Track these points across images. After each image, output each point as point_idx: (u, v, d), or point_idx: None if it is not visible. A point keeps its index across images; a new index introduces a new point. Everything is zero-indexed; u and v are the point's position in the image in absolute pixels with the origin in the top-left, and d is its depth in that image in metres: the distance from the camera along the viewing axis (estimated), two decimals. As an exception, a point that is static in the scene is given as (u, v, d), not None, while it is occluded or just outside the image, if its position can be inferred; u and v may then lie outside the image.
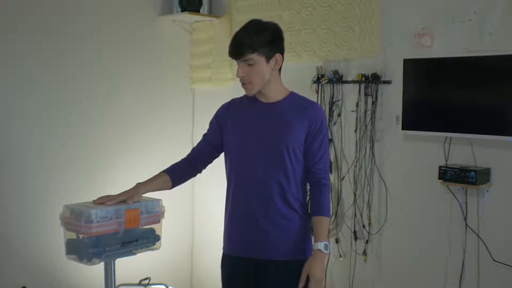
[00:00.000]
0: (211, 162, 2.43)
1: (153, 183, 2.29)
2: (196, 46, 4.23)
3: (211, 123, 2.40)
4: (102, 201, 2.13)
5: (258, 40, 2.13)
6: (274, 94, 2.24)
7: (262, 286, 2.23)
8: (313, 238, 2.21)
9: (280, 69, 2.26)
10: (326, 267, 3.48)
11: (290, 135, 2.19)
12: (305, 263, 2.15)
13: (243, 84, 2.21)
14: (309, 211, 2.30)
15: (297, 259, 2.21)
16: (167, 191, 2.35)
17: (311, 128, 2.21)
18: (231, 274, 2.32)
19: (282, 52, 2.23)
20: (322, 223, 2.20)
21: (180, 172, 2.38)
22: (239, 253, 2.28)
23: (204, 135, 2.42)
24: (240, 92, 2.41)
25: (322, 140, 2.24)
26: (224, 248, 2.36)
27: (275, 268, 2.20)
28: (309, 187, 2.36)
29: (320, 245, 2.13)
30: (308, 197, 3.21)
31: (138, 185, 2.25)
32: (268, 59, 2.17)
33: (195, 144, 2.46)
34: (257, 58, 2.14)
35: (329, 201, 2.29)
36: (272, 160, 2.19)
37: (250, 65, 2.15)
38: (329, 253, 3.50)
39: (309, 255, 2.22)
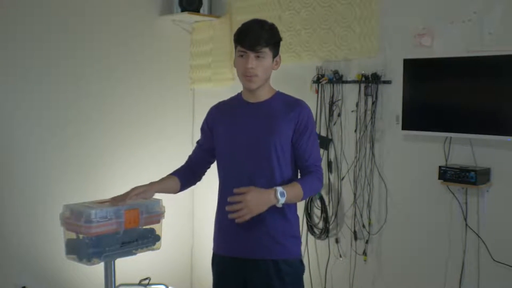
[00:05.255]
0: (208, 167, 2.46)
1: (166, 183, 2.31)
2: (196, 46, 4.23)
3: (202, 129, 2.43)
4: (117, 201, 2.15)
5: (272, 36, 2.19)
6: (264, 94, 2.27)
7: (251, 286, 2.24)
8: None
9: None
10: (326, 267, 3.49)
11: (278, 133, 2.20)
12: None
13: (248, 77, 2.19)
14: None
15: (285, 258, 2.23)
16: (167, 191, 2.36)
17: (298, 125, 2.22)
18: (221, 273, 2.32)
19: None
20: (295, 185, 2.15)
21: (188, 176, 2.41)
22: (228, 252, 2.28)
23: (198, 142, 2.46)
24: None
25: (309, 136, 2.24)
26: (214, 248, 2.37)
27: (265, 267, 2.21)
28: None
29: (279, 188, 2.09)
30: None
31: (152, 183, 2.27)
32: (273, 57, 2.23)
33: (195, 144, 2.48)
34: (268, 53, 2.18)
35: (315, 183, 2.22)
36: (259, 159, 2.20)
37: (259, 58, 2.17)
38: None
39: (297, 254, 2.27)
